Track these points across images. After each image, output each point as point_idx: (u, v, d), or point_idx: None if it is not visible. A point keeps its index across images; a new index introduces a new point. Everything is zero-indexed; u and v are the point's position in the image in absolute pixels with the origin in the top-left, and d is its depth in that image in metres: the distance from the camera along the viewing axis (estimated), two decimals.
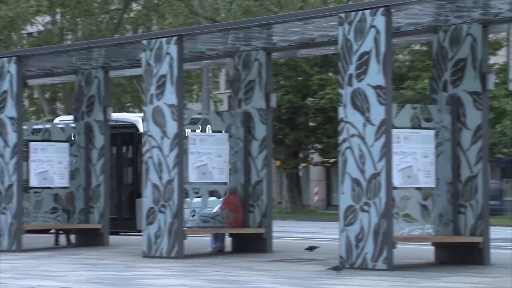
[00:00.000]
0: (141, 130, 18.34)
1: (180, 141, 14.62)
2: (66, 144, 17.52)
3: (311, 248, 15.04)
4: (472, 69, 12.97)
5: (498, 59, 35.08)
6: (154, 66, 14.98)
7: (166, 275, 12.03)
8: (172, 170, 14.59)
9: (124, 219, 22.03)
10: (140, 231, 16.77)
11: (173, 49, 14.74)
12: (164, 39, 14.90)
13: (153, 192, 14.78)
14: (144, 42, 15.19)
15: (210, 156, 15.24)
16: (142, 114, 20.32)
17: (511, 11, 12.53)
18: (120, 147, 22.61)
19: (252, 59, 15.48)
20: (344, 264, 12.34)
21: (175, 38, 14.78)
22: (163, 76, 14.86)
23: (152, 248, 14.74)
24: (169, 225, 14.56)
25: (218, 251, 15.70)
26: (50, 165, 17.27)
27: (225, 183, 15.43)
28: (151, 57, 15.02)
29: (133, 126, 22.02)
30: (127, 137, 22.45)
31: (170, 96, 14.74)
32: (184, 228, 14.60)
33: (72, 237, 17.76)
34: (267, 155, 15.28)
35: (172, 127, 14.68)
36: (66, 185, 17.47)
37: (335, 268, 12.04)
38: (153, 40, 15.04)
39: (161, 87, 14.87)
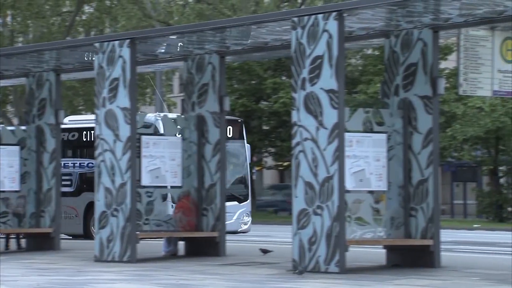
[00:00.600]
0: (161, 130, 18.05)
1: (133, 144, 14.55)
2: (17, 148, 17.32)
3: (264, 251, 15.07)
4: (423, 73, 13.12)
5: (448, 63, 35.57)
6: (106, 69, 14.89)
7: (118, 279, 11.95)
8: (124, 173, 14.51)
9: None
10: None
11: (125, 52, 14.66)
12: (116, 42, 14.81)
13: (106, 196, 14.68)
14: (97, 45, 15.09)
15: (163, 159, 15.20)
16: (162, 114, 19.93)
17: (461, 16, 12.71)
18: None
19: (206, 62, 15.47)
20: (305, 268, 12.38)
21: (127, 41, 14.71)
22: (116, 79, 14.77)
23: (104, 252, 14.63)
24: (122, 229, 14.47)
25: (171, 255, 15.65)
26: (0, 169, 17.05)
27: (178, 187, 15.40)
28: (103, 60, 14.92)
29: (152, 126, 21.41)
30: None
31: (123, 99, 14.66)
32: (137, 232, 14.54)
33: (23, 242, 17.54)
34: (221, 159, 15.28)
35: (125, 131, 14.60)
36: (17, 189, 17.25)
37: (299, 272, 12.10)
38: (106, 43, 14.94)
39: (113, 90, 14.78)
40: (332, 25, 12.51)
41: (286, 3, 36.33)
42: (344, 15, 12.56)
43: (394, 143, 13.22)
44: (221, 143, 15.32)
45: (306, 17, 12.76)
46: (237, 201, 21.39)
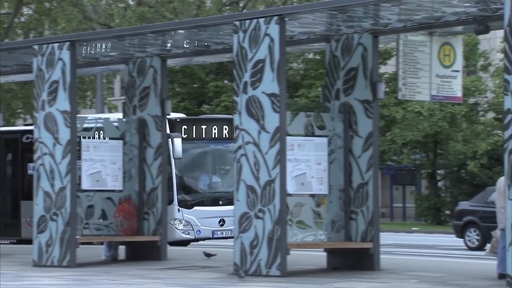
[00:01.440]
0: (167, 131, 17.49)
1: (73, 148, 14.39)
2: None
3: (208, 255, 15.05)
4: (363, 78, 13.26)
5: (388, 68, 36.03)
6: (46, 71, 14.70)
7: (57, 284, 11.81)
8: (64, 177, 14.34)
9: None
10: None
11: (65, 55, 14.50)
12: (56, 45, 14.65)
13: (45, 200, 14.50)
14: (36, 47, 14.89)
15: (104, 163, 15.07)
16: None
17: (400, 21, 12.89)
18: None
19: (147, 65, 15.40)
20: (246, 271, 12.41)
21: (67, 43, 14.56)
22: (56, 82, 14.61)
23: (43, 257, 14.44)
24: (61, 233, 14.31)
25: (112, 260, 15.53)
26: None
27: (119, 191, 15.29)
28: (42, 62, 14.74)
29: None
30: None
31: (63, 102, 14.50)
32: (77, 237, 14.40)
33: None
34: (162, 162, 15.22)
35: (64, 134, 14.44)
36: None
37: (239, 275, 12.12)
38: (45, 46, 14.76)
39: (53, 93, 14.61)
40: (274, 29, 12.56)
41: (228, 7, 36.37)
42: (286, 19, 12.63)
43: (335, 146, 13.33)
44: (163, 147, 15.25)
45: (247, 21, 12.80)
46: None
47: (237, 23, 12.91)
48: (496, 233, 12.15)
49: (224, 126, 19.90)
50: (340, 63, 13.41)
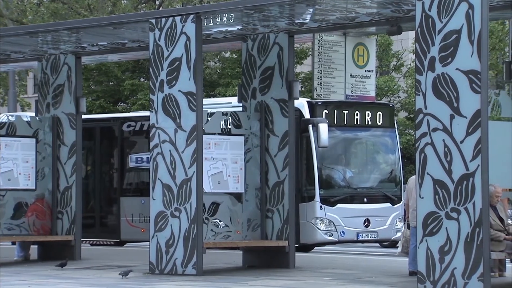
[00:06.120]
0: (306, 115, 16.06)
1: None
2: None
3: (61, 265, 14.50)
4: (279, 77, 13.36)
5: (304, 68, 36.40)
6: None
7: None
8: None
9: None
10: None
11: None
12: None
13: None
14: None
15: (16, 161, 14.79)
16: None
17: (315, 21, 13.03)
18: None
19: (61, 63, 15.17)
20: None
21: None
22: None
23: None
24: None
25: (24, 260, 15.25)
26: None
27: (32, 190, 15.02)
28: None
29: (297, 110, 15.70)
30: None
31: None
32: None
33: None
34: (77, 161, 15.02)
35: None
36: None
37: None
38: None
39: None
40: (190, 28, 12.54)
41: (144, 5, 36.12)
42: (202, 18, 12.62)
43: (251, 145, 13.39)
44: (77, 145, 15.05)
45: (164, 19, 12.74)
46: (390, 203, 17.11)
47: (153, 21, 12.83)
48: (406, 232, 12.37)
49: (378, 112, 17.05)
50: (256, 62, 13.47)
